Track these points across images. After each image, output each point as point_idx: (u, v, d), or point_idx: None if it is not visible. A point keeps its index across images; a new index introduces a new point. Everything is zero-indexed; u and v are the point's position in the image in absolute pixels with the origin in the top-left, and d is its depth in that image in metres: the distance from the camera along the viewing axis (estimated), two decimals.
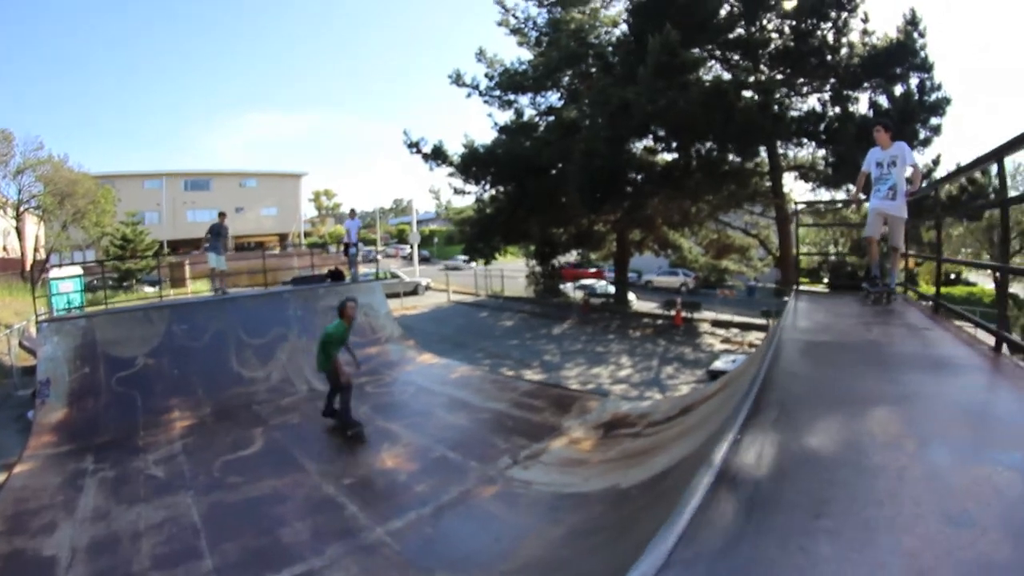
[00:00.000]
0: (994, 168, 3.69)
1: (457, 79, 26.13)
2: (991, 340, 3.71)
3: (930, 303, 5.98)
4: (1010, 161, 18.91)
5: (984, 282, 30.43)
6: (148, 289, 29.37)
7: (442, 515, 5.07)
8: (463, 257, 44.92)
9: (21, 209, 30.02)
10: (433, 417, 8.07)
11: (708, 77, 19.83)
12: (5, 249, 32.27)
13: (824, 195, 20.61)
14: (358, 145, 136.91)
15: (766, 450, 2.29)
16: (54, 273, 23.14)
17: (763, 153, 20.60)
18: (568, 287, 30.07)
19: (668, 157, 22.66)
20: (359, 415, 7.54)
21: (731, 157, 20.05)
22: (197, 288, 26.63)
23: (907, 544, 1.47)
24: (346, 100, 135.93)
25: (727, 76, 19.85)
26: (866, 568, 1.40)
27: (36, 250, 31.50)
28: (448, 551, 4.49)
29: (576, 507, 4.95)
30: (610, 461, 6.09)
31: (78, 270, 24.62)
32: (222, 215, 12.53)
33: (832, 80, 18.61)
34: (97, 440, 7.40)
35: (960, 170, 4.71)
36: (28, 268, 28.95)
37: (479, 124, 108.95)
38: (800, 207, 15.86)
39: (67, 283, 17.62)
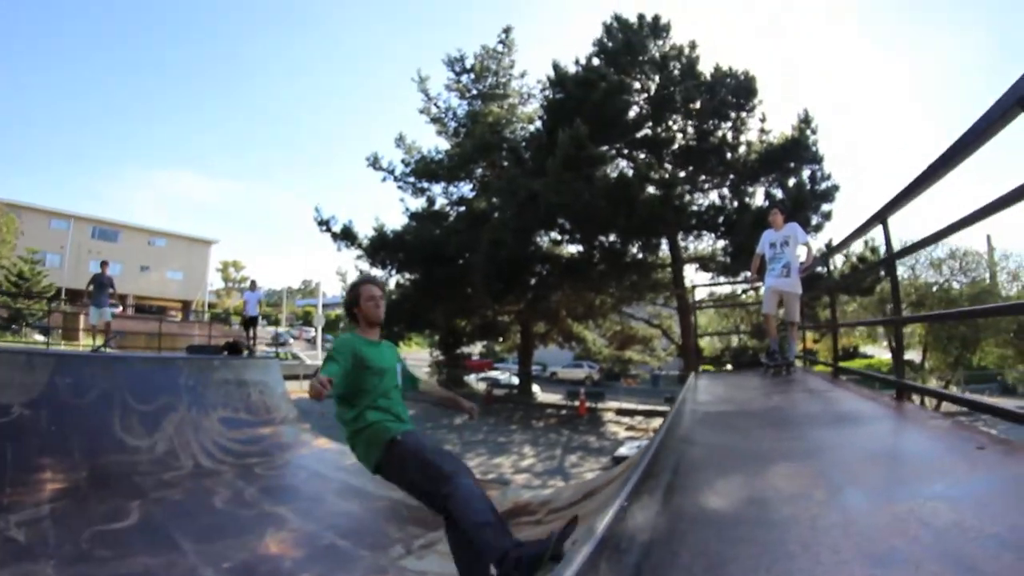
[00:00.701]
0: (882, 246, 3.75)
1: (374, 162, 26.17)
2: (893, 392, 3.68)
3: (830, 369, 6.07)
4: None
5: (881, 354, 32.36)
6: (38, 337, 26.75)
7: None
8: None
9: None
10: (324, 503, 7.47)
11: (614, 173, 20.82)
12: None
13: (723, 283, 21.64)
14: (272, 220, 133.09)
15: (658, 515, 2.05)
16: None
17: (665, 245, 21.54)
18: (472, 378, 29.86)
19: (572, 249, 23.33)
20: (245, 497, 6.58)
21: (633, 250, 20.85)
22: (90, 343, 24.30)
23: None
24: (265, 172, 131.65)
25: (631, 172, 20.90)
26: None
27: None
28: None
29: None
30: None
31: None
32: (104, 264, 11.60)
33: (731, 176, 19.97)
34: None
35: (851, 235, 4.87)
36: None
37: (392, 208, 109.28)
38: (698, 292, 16.46)
39: None
